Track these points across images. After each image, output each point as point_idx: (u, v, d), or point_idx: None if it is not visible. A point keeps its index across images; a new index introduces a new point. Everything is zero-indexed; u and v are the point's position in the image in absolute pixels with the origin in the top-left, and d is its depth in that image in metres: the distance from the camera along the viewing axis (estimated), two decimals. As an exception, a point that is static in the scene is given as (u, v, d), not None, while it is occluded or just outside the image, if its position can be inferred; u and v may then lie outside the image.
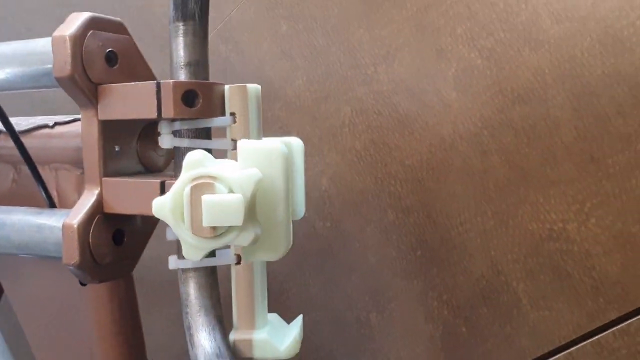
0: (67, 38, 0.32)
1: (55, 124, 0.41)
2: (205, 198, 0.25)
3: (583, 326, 0.59)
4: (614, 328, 0.57)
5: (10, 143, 0.39)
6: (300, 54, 0.69)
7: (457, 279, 0.64)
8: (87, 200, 0.34)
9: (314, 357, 0.73)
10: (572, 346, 0.59)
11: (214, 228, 0.26)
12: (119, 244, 0.36)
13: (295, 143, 0.38)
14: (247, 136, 0.32)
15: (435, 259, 0.65)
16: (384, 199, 0.67)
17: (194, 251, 0.27)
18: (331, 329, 0.72)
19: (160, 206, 0.27)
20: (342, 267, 0.70)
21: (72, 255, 0.33)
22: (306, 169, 0.70)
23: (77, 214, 0.33)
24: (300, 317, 0.38)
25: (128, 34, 0.37)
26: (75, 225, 0.33)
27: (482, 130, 0.61)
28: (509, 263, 0.61)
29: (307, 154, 0.71)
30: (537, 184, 0.59)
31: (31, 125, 0.41)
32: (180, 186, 0.26)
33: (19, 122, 0.42)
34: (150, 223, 0.39)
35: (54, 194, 0.39)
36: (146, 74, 0.37)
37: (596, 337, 0.58)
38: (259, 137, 0.32)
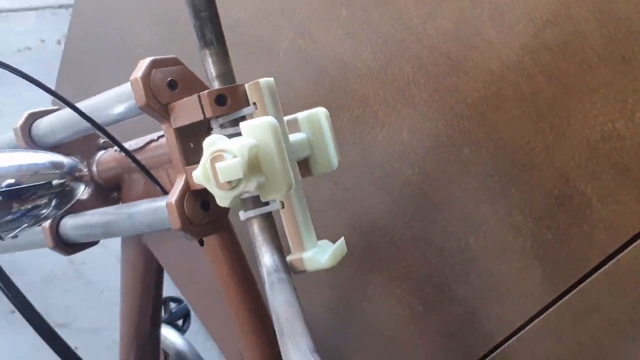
0: (139, 79, 0.48)
1: (159, 137, 0.58)
2: (218, 165, 0.39)
3: (650, 212, 0.63)
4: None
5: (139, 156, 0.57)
6: (361, 31, 0.81)
7: (533, 193, 0.71)
8: (178, 184, 0.49)
9: (429, 286, 0.85)
10: (644, 232, 0.64)
11: (229, 182, 0.39)
12: (207, 210, 0.51)
13: (321, 111, 0.50)
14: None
15: (511, 180, 0.73)
16: (457, 137, 0.76)
17: (222, 200, 0.41)
18: (437, 259, 0.83)
19: (196, 176, 0.41)
20: (434, 205, 0.80)
21: (175, 222, 0.49)
22: (387, 126, 0.82)
23: (174, 194, 0.49)
24: (342, 239, 0.50)
25: (182, 64, 0.52)
26: (173, 202, 0.49)
27: (523, 57, 0.68)
28: (573, 170, 0.67)
29: (385, 115, 0.82)
30: (580, 94, 0.65)
31: (143, 142, 0.58)
32: (203, 161, 0.40)
33: (136, 142, 0.59)
34: None
35: (168, 187, 0.55)
36: (201, 87, 0.52)
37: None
38: (278, 116, 0.45)
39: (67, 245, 0.62)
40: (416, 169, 0.82)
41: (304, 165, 0.52)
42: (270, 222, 0.46)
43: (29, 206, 0.51)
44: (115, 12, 1.31)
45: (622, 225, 0.66)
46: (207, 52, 0.46)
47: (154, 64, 0.49)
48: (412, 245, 0.85)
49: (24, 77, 0.48)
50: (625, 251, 0.66)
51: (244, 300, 0.58)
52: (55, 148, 0.63)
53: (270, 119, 0.41)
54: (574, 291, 0.71)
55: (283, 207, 0.46)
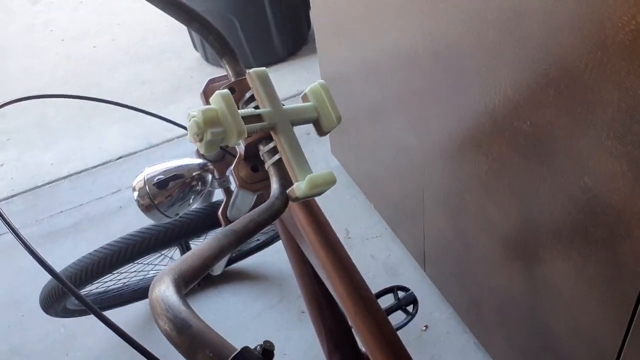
0: (201, 93, 0.73)
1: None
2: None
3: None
4: None
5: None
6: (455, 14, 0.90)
7: (608, 113, 0.69)
8: (236, 157, 0.70)
9: (577, 237, 0.83)
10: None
11: (197, 135, 0.58)
12: (256, 171, 0.70)
13: (320, 83, 0.66)
14: (260, 96, 0.63)
15: (591, 106, 0.72)
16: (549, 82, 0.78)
17: (201, 148, 0.59)
18: (572, 206, 0.82)
19: (189, 138, 0.62)
20: (551, 150, 0.82)
21: (236, 182, 0.70)
22: (484, 87, 0.89)
23: (235, 164, 0.70)
24: (329, 171, 0.62)
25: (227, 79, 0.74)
26: (232, 168, 0.70)
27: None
28: (630, 80, 0.65)
29: (485, 82, 0.89)
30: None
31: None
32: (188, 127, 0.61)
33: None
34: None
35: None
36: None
37: None
38: (268, 92, 0.63)
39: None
40: (528, 122, 0.85)
41: (318, 127, 0.67)
42: (281, 166, 0.63)
43: (183, 189, 0.79)
44: None
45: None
46: (224, 60, 0.68)
47: (212, 80, 0.74)
48: (557, 199, 0.86)
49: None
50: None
51: (325, 245, 0.74)
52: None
53: (221, 92, 0.59)
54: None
55: (279, 155, 0.63)
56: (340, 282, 0.75)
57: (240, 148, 0.70)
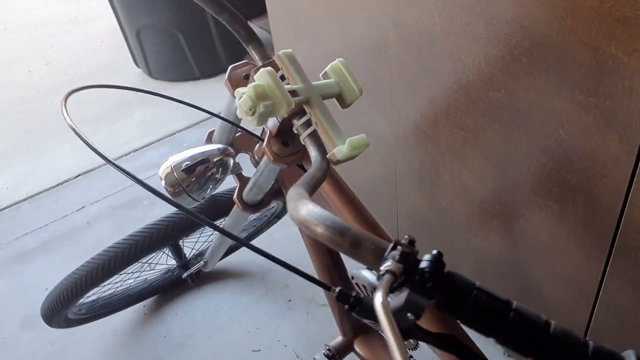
0: (227, 80, 0.81)
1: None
2: (239, 102, 0.66)
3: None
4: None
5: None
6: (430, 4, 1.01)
7: (580, 71, 0.82)
8: (266, 134, 0.78)
9: (554, 185, 0.96)
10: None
11: (250, 109, 0.65)
12: (287, 146, 0.78)
13: (339, 61, 0.75)
14: (292, 74, 0.71)
15: (561, 68, 0.84)
16: (515, 52, 0.90)
17: (253, 122, 0.66)
18: (547, 159, 0.94)
19: (239, 113, 0.69)
20: (524, 112, 0.94)
21: (270, 157, 0.77)
22: (457, 65, 1.00)
23: (265, 141, 0.77)
24: (362, 135, 0.71)
25: (251, 63, 0.82)
26: (264, 145, 0.77)
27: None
28: (596, 38, 0.77)
29: (458, 61, 1.00)
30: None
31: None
32: (237, 104, 0.68)
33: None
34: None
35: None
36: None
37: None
38: (297, 69, 0.71)
39: (249, 206, 0.97)
40: (503, 91, 0.97)
41: (341, 101, 0.75)
42: (316, 136, 0.71)
43: (208, 173, 0.86)
44: None
45: (648, 67, 0.73)
46: (249, 48, 0.76)
47: (234, 67, 0.82)
48: (533, 156, 0.98)
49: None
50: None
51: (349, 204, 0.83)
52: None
53: (266, 69, 0.67)
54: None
55: (317, 125, 0.71)
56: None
57: (270, 126, 0.78)
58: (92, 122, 2.49)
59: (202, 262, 1.39)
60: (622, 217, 0.88)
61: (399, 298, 0.43)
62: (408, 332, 0.45)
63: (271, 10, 1.67)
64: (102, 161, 2.22)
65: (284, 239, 1.83)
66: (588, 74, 0.81)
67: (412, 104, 1.22)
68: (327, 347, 1.14)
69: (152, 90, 0.86)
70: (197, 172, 0.86)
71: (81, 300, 1.37)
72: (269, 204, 1.01)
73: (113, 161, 0.59)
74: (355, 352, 1.15)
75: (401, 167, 1.40)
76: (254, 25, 3.04)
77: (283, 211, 1.60)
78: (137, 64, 2.80)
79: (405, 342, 0.45)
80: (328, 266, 1.04)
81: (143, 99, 2.61)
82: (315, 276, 0.81)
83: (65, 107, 0.66)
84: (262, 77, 0.67)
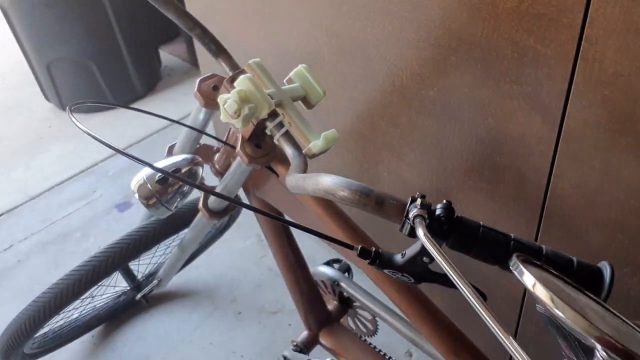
0: (197, 92, 0.87)
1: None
2: (225, 106, 0.73)
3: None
4: None
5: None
6: (361, 13, 1.12)
7: (504, 63, 0.94)
8: (239, 139, 0.84)
9: (486, 169, 1.08)
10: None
11: (235, 112, 0.72)
12: (260, 147, 0.85)
13: (302, 67, 0.83)
14: (263, 80, 0.78)
15: (486, 62, 0.97)
16: (444, 51, 1.02)
17: (238, 124, 0.74)
18: (479, 145, 1.07)
19: (222, 119, 0.76)
20: (456, 105, 1.06)
21: (245, 160, 0.83)
22: (391, 69, 1.10)
23: (239, 145, 0.84)
24: (332, 130, 0.79)
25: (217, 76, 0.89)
26: (238, 148, 0.84)
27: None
28: (516, 33, 0.90)
29: (391, 65, 1.11)
30: (491, -19, 0.89)
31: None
32: (221, 109, 0.75)
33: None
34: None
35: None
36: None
37: None
38: (266, 76, 0.79)
39: (215, 214, 1.02)
40: (435, 89, 1.09)
41: (307, 103, 0.84)
42: (289, 135, 0.79)
43: (179, 183, 0.90)
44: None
45: (563, 53, 0.86)
46: (220, 59, 0.83)
47: (202, 80, 0.88)
48: (466, 144, 1.10)
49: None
50: (576, 70, 0.86)
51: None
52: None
53: (246, 75, 0.74)
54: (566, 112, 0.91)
55: (290, 125, 0.78)
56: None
57: (243, 130, 0.84)
58: (9, 160, 2.41)
59: (155, 281, 1.41)
60: (548, 189, 1.02)
61: (414, 246, 0.51)
62: (422, 275, 0.53)
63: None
64: (24, 199, 2.18)
65: (225, 255, 1.87)
66: (511, 66, 0.94)
67: (348, 108, 1.32)
68: (295, 343, 1.21)
69: (130, 107, 0.89)
70: (170, 182, 0.90)
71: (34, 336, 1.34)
72: (233, 208, 1.06)
73: (130, 154, 0.63)
74: (321, 344, 1.22)
75: (340, 170, 1.49)
76: (164, 52, 3.06)
77: (227, 225, 1.65)
78: (47, 98, 2.73)
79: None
80: (293, 266, 1.11)
81: (58, 132, 2.56)
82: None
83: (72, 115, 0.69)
84: (243, 83, 0.74)
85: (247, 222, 1.93)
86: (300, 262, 1.13)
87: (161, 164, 0.91)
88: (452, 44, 1.00)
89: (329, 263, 1.38)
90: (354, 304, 1.25)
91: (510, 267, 0.49)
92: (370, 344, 1.21)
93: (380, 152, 1.31)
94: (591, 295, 0.47)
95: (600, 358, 0.42)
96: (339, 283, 1.20)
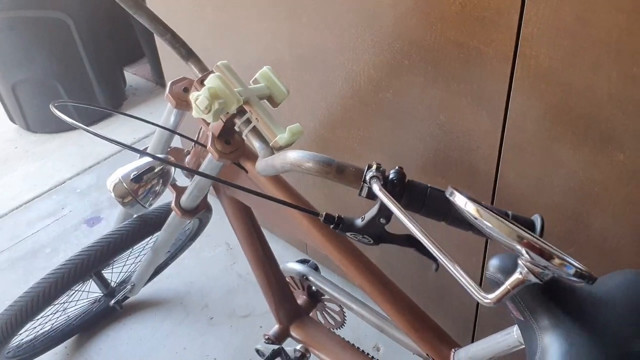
0: (169, 95, 0.93)
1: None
2: (196, 102, 0.79)
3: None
4: None
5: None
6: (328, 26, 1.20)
7: (453, 65, 1.03)
8: (209, 136, 0.91)
9: (441, 163, 1.17)
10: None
11: (206, 108, 0.78)
12: (229, 144, 0.91)
13: (266, 68, 0.90)
14: (231, 80, 0.85)
15: (437, 65, 1.06)
16: (397, 56, 1.11)
17: (209, 118, 0.80)
18: (434, 142, 1.15)
19: (194, 114, 0.82)
20: (409, 107, 1.14)
21: (215, 156, 0.89)
22: (349, 74, 1.18)
23: (209, 142, 0.90)
24: (297, 124, 0.86)
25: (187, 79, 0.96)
26: (209, 145, 0.90)
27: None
28: (461, 35, 0.99)
29: (349, 71, 1.19)
30: (436, -12, 0.98)
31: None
32: (193, 105, 0.81)
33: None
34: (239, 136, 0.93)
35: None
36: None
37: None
38: (233, 76, 0.85)
39: (187, 212, 1.08)
40: (390, 91, 1.17)
41: (272, 101, 0.91)
42: (256, 131, 0.85)
43: (154, 181, 0.96)
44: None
45: (503, 52, 0.96)
46: (189, 63, 0.90)
47: (174, 83, 0.94)
48: (421, 141, 1.19)
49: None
50: (516, 67, 0.95)
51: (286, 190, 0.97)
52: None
53: (216, 74, 0.81)
54: (509, 106, 1.00)
55: (257, 120, 0.85)
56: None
57: (213, 128, 0.91)
58: (-28, 181, 2.41)
59: (128, 287, 1.45)
60: (497, 178, 1.10)
61: (373, 209, 0.59)
62: (379, 236, 0.60)
63: (161, 47, 1.79)
64: (-10, 218, 2.19)
65: (195, 264, 1.91)
66: (458, 66, 1.03)
67: (311, 114, 1.40)
68: (267, 337, 1.26)
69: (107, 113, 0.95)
70: (145, 180, 0.96)
71: (8, 345, 1.37)
72: (205, 207, 1.12)
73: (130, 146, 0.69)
74: (292, 337, 1.28)
75: (303, 176, 1.56)
76: (128, 73, 3.11)
77: (197, 233, 1.70)
78: (13, 120, 2.74)
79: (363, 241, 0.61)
80: (263, 262, 1.17)
81: (24, 153, 2.57)
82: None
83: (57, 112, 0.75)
84: (212, 81, 0.80)
85: (216, 232, 1.98)
86: (270, 258, 1.19)
87: (136, 163, 0.97)
88: (405, 48, 1.09)
89: (297, 262, 1.44)
90: (323, 297, 1.31)
91: (446, 194, 0.56)
92: (338, 335, 1.27)
93: (343, 154, 1.39)
94: (514, 223, 0.54)
95: (524, 264, 0.50)
96: (308, 277, 1.26)
